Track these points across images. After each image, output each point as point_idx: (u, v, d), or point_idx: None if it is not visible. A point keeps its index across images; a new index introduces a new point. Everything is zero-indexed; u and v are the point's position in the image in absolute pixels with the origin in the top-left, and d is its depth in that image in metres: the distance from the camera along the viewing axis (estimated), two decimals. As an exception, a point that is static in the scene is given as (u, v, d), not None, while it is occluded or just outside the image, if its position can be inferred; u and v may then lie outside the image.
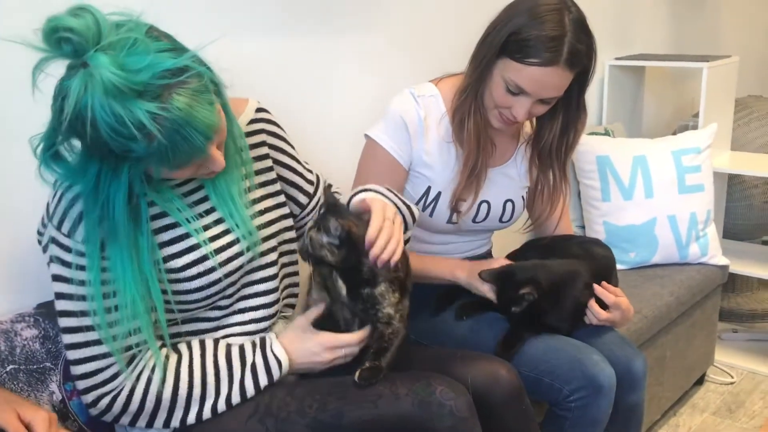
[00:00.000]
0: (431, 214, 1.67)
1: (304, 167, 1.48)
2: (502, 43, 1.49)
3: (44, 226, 1.22)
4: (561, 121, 1.62)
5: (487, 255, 1.86)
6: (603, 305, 1.58)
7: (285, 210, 1.40)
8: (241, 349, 1.29)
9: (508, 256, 1.74)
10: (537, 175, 1.73)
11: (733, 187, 2.89)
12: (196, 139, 1.06)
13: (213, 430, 1.25)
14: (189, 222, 1.22)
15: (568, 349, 1.51)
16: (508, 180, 1.73)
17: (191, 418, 1.24)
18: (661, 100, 3.24)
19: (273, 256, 1.35)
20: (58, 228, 1.16)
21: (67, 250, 1.16)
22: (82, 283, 1.16)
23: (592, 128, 2.65)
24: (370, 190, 1.38)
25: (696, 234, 2.36)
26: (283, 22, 1.79)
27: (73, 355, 1.19)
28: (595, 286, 1.57)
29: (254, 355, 1.28)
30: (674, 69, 3.27)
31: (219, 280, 1.25)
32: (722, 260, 2.42)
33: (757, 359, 2.72)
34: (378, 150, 1.64)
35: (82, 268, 1.15)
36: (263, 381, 1.28)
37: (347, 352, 1.32)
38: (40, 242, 1.26)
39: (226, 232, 1.26)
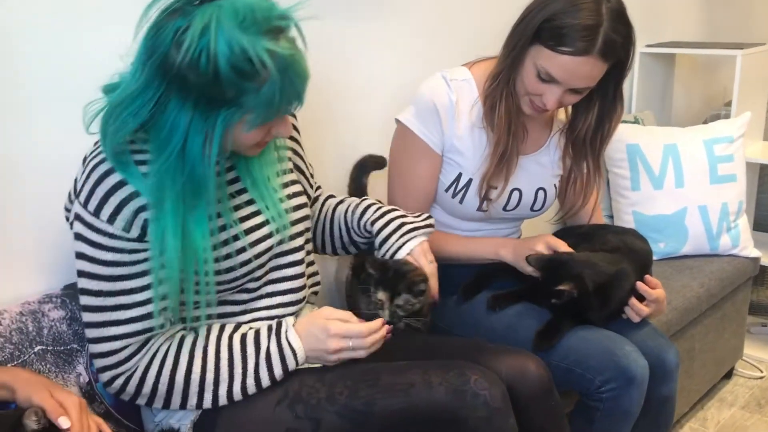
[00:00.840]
0: (461, 201, 1.64)
1: (309, 165, 1.49)
2: (535, 29, 1.46)
3: (71, 201, 1.21)
4: (596, 111, 1.59)
5: (516, 244, 1.83)
6: (640, 297, 1.55)
7: (306, 198, 1.40)
8: (257, 333, 1.25)
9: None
10: (570, 166, 1.69)
11: (764, 178, 2.83)
12: (299, 85, 1.10)
13: (241, 415, 1.24)
14: (220, 202, 1.21)
15: (601, 339, 1.47)
16: (541, 168, 1.70)
17: (207, 402, 1.23)
18: (691, 89, 3.18)
19: (300, 241, 1.35)
20: (85, 206, 1.14)
21: (92, 228, 1.14)
22: (104, 263, 1.14)
23: (622, 116, 2.59)
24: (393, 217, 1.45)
25: (727, 225, 2.31)
26: (310, 7, 1.76)
27: (90, 333, 1.18)
28: (639, 283, 1.54)
29: (269, 341, 1.24)
30: (705, 57, 3.21)
31: (249, 261, 1.23)
32: (753, 252, 2.37)
33: (787, 354, 2.68)
34: (409, 136, 1.62)
35: (104, 247, 1.14)
36: (278, 371, 1.23)
37: (355, 344, 1.24)
38: (67, 218, 1.24)
39: (255, 213, 1.25)
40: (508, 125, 1.56)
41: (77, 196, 1.16)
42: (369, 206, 1.49)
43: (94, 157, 1.16)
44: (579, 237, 1.68)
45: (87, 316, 1.18)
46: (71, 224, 1.20)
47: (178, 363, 1.21)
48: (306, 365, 1.27)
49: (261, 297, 1.30)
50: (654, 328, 1.60)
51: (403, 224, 1.45)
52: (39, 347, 1.28)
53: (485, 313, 1.60)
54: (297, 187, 1.37)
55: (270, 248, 1.27)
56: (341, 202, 1.56)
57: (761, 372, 2.58)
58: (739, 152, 2.34)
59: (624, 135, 2.32)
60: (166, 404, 1.23)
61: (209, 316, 1.26)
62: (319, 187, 1.57)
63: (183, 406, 1.23)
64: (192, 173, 1.10)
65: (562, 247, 1.55)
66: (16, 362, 1.24)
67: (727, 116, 2.59)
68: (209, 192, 1.13)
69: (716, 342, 2.31)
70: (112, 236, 1.13)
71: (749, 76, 2.57)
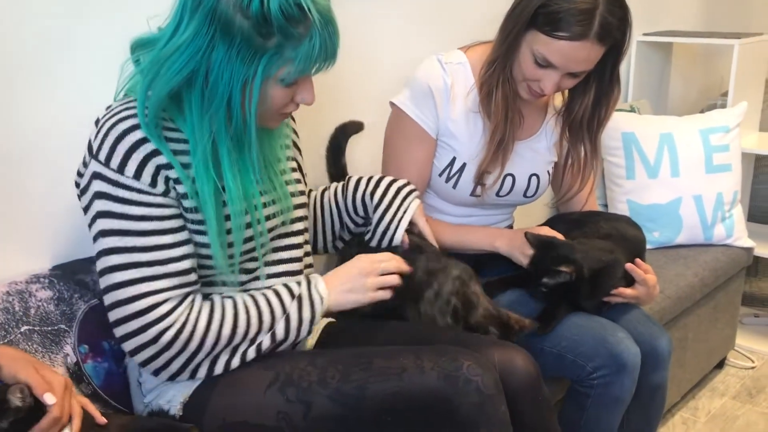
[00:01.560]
0: (455, 186, 1.63)
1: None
2: (531, 14, 1.44)
3: (85, 165, 1.18)
4: (593, 94, 1.58)
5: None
6: (630, 281, 1.54)
7: (304, 187, 1.41)
8: (287, 285, 1.28)
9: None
10: (567, 149, 1.68)
11: (759, 169, 2.83)
12: (336, 42, 1.15)
13: (232, 397, 1.23)
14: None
15: (593, 325, 1.47)
16: (535, 154, 1.68)
17: (235, 362, 1.23)
18: (688, 78, 3.17)
19: (300, 226, 1.36)
20: (106, 164, 1.13)
21: (118, 185, 1.13)
22: (134, 218, 1.13)
23: (618, 105, 2.58)
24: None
25: (722, 215, 2.31)
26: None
27: (123, 293, 1.14)
28: (628, 264, 1.53)
29: (300, 287, 1.28)
30: (702, 47, 3.20)
31: (261, 234, 1.24)
32: (747, 242, 2.36)
33: (779, 344, 2.68)
34: (404, 119, 1.60)
35: (133, 202, 1.13)
36: (306, 314, 1.26)
37: (385, 265, 1.30)
38: (77, 184, 1.22)
39: (264, 191, 1.26)
40: (505, 112, 1.55)
41: (95, 155, 1.15)
42: (359, 180, 1.51)
43: (112, 116, 1.16)
44: (571, 224, 1.67)
45: (119, 276, 1.14)
46: (87, 185, 1.17)
47: (224, 314, 1.21)
48: (328, 320, 1.32)
49: (257, 278, 1.29)
50: (647, 315, 1.60)
51: (399, 189, 1.48)
52: (26, 327, 1.26)
53: None
54: (297, 175, 1.38)
55: (273, 228, 1.28)
56: (327, 188, 1.56)
57: (753, 362, 2.59)
58: (735, 142, 2.33)
59: (620, 123, 2.31)
60: (209, 356, 1.20)
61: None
62: (311, 191, 1.58)
63: (213, 363, 1.22)
64: (236, 126, 1.14)
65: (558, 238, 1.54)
66: (2, 342, 1.22)
67: (724, 106, 2.58)
68: (252, 146, 1.17)
69: (709, 332, 2.31)
70: (139, 191, 1.13)
71: (746, 66, 2.56)
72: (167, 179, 1.15)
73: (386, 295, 1.31)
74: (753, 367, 2.57)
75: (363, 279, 1.29)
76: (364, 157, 1.93)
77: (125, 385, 1.34)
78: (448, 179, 1.63)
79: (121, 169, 1.12)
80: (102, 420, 1.12)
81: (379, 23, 1.91)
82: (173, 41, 1.10)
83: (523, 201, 1.73)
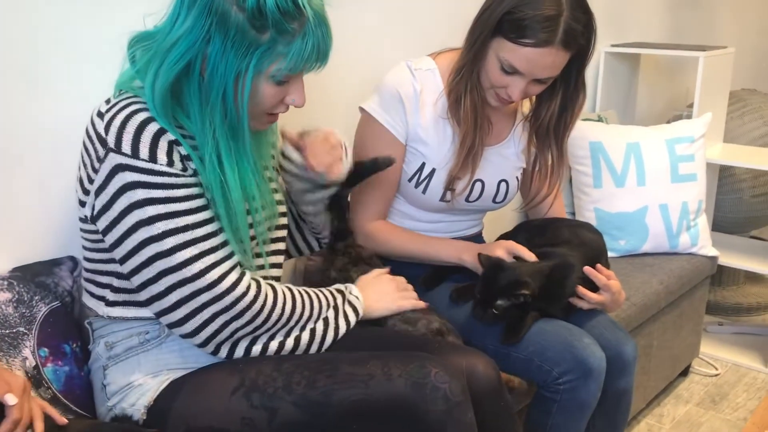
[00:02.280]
0: (424, 191, 1.63)
1: None
2: (496, 22, 1.45)
3: (99, 159, 1.16)
4: (560, 99, 1.59)
5: (478, 236, 1.83)
6: (594, 288, 1.55)
7: (282, 197, 1.42)
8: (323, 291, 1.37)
9: (501, 238, 1.71)
10: (535, 155, 1.69)
11: (723, 179, 2.88)
12: (328, 43, 1.18)
13: (196, 402, 1.21)
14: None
15: (559, 331, 1.48)
16: (504, 160, 1.69)
17: (290, 342, 1.27)
18: (655, 90, 3.22)
19: (282, 233, 1.39)
20: (134, 155, 1.13)
21: (153, 173, 1.14)
22: (179, 199, 1.15)
23: (586, 114, 2.62)
24: None
25: (687, 224, 2.34)
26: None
27: (192, 269, 1.16)
28: (587, 268, 1.54)
29: (337, 295, 1.37)
30: (669, 59, 3.25)
31: (259, 223, 1.26)
32: (712, 251, 2.40)
33: (742, 352, 2.72)
34: (374, 124, 1.60)
35: (174, 186, 1.15)
36: (342, 323, 1.34)
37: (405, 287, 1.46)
38: (85, 180, 1.19)
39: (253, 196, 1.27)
40: (474, 118, 1.55)
41: (114, 149, 1.13)
42: None
43: (122, 108, 1.16)
44: (533, 230, 1.68)
45: (182, 254, 1.16)
46: (106, 180, 1.15)
47: (285, 293, 1.28)
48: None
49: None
50: (612, 321, 1.61)
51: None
52: (-17, 330, 1.23)
53: (447, 306, 1.59)
54: (276, 184, 1.40)
55: (262, 233, 1.30)
56: None
57: (716, 370, 2.62)
58: (700, 152, 2.37)
59: (587, 133, 2.34)
60: (284, 322, 1.26)
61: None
62: None
63: (272, 335, 1.26)
64: (230, 119, 1.17)
65: (522, 251, 1.53)
66: (-42, 345, 1.19)
67: (689, 117, 2.62)
68: (245, 139, 1.19)
69: (674, 339, 2.34)
70: (177, 175, 1.16)
71: (711, 78, 2.61)
72: (190, 166, 1.18)
73: (411, 304, 1.44)
74: (717, 375, 2.60)
75: (389, 289, 1.42)
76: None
77: (86, 389, 1.31)
78: (417, 184, 1.63)
79: (152, 158, 1.14)
80: (63, 421, 1.10)
81: (350, 27, 1.91)
82: (171, 34, 1.13)
83: (493, 207, 1.74)
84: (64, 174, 1.42)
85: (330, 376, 1.19)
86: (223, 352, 1.24)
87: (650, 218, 2.30)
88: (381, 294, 1.42)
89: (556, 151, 1.66)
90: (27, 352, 1.26)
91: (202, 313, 1.19)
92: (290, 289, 1.30)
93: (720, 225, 2.94)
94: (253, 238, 1.28)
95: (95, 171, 1.17)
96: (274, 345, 1.26)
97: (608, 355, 1.49)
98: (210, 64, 1.13)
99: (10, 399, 1.01)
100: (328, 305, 1.34)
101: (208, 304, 1.18)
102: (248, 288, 1.21)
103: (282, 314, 1.25)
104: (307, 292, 1.32)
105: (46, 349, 1.27)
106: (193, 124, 1.18)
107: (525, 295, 1.44)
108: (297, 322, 1.28)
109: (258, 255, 1.31)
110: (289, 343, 1.27)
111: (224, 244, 1.20)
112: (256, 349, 1.25)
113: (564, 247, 1.59)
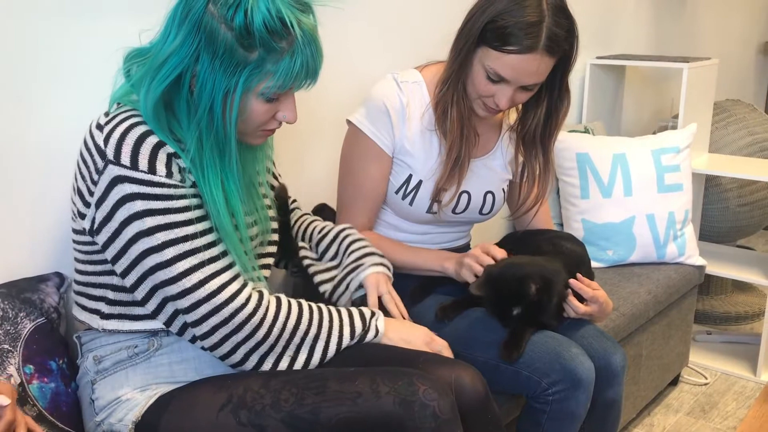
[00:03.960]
0: (411, 203, 1.64)
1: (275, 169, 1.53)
2: (480, 31, 1.46)
3: (97, 171, 1.16)
4: (545, 106, 1.60)
5: (466, 247, 1.83)
6: (580, 299, 1.56)
7: (274, 213, 1.43)
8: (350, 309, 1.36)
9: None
10: (522, 164, 1.70)
11: (709, 189, 2.90)
12: (318, 61, 1.18)
13: (184, 419, 1.20)
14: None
15: (548, 342, 1.47)
16: (490, 172, 1.70)
17: (283, 363, 1.26)
18: (640, 101, 3.25)
19: (273, 248, 1.40)
20: (133, 167, 1.14)
21: (152, 184, 1.15)
22: (178, 210, 1.16)
23: (572, 126, 2.63)
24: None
25: (674, 233, 2.35)
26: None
27: (192, 279, 1.17)
28: (572, 281, 1.54)
29: (363, 318, 1.35)
30: (654, 70, 3.28)
31: (245, 254, 1.26)
32: (699, 260, 2.41)
33: (731, 361, 2.73)
34: (361, 137, 1.61)
35: (173, 197, 1.16)
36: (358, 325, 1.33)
37: (440, 350, 1.37)
38: (84, 193, 1.19)
39: (247, 213, 1.29)
40: (460, 130, 1.56)
41: (113, 161, 1.14)
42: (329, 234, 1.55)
43: (122, 121, 1.17)
44: (516, 242, 1.69)
45: (182, 264, 1.17)
46: (105, 193, 1.15)
47: (290, 305, 1.27)
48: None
49: None
50: (600, 331, 1.61)
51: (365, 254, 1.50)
52: (-33, 347, 1.22)
53: (435, 325, 1.57)
54: (269, 200, 1.41)
55: (254, 248, 1.31)
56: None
57: (706, 379, 2.63)
58: (686, 162, 2.39)
59: (574, 144, 2.35)
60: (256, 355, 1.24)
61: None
62: (294, 201, 1.60)
63: (279, 358, 1.26)
64: (216, 134, 1.17)
65: (494, 250, 1.53)
66: (-58, 363, 1.18)
67: (675, 128, 2.64)
68: (232, 155, 1.19)
69: (663, 349, 2.35)
70: (175, 186, 1.16)
71: (695, 89, 2.63)
72: (189, 178, 1.19)
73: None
74: (706, 384, 2.61)
75: (421, 344, 1.36)
76: (320, 171, 1.93)
77: (73, 406, 1.30)
78: (404, 196, 1.63)
79: (151, 169, 1.14)
80: None
81: (337, 40, 1.92)
82: (162, 51, 1.14)
83: (479, 218, 1.74)
84: (51, 190, 1.41)
85: (318, 393, 1.18)
86: (232, 362, 1.25)
87: (637, 228, 2.31)
88: (408, 338, 1.37)
89: (542, 158, 1.67)
90: (12, 369, 1.24)
91: (201, 326, 1.20)
92: (300, 304, 1.29)
93: (707, 234, 2.96)
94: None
95: (94, 183, 1.17)
96: (285, 362, 1.26)
97: (597, 365, 1.49)
98: (199, 81, 1.14)
99: (3, 400, 1.01)
100: (342, 324, 1.32)
101: (207, 317, 1.19)
102: (248, 300, 1.21)
103: (284, 329, 1.25)
104: (320, 309, 1.31)
105: (31, 366, 1.26)
106: (185, 136, 1.18)
107: (535, 288, 1.44)
108: (303, 338, 1.27)
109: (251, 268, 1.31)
110: (301, 359, 1.28)
111: (224, 254, 1.21)
112: (268, 363, 1.25)
113: (543, 257, 1.58)
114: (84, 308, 1.29)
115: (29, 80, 1.35)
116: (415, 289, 1.66)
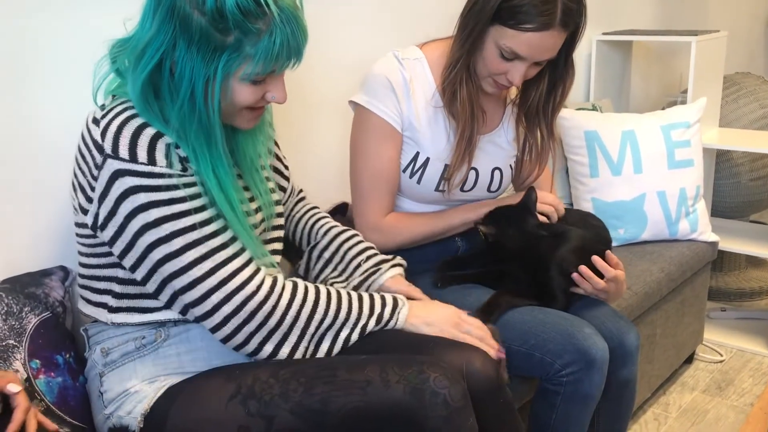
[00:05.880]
0: (419, 181, 1.62)
1: (283, 157, 1.51)
2: (494, 11, 1.44)
3: (96, 166, 1.14)
4: (548, 79, 1.58)
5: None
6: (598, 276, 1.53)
7: (279, 196, 1.41)
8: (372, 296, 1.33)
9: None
10: (525, 136, 1.68)
11: (720, 164, 2.86)
12: (300, 39, 1.14)
13: (193, 410, 1.19)
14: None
15: (560, 322, 1.45)
16: (497, 148, 1.68)
17: (300, 351, 1.24)
18: (648, 77, 3.20)
19: (278, 233, 1.37)
20: (132, 160, 1.12)
21: (153, 176, 1.13)
22: (182, 199, 1.14)
23: (580, 104, 2.60)
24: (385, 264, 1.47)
25: (686, 210, 2.32)
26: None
27: (202, 268, 1.15)
28: (594, 257, 1.51)
29: (386, 305, 1.32)
30: (662, 45, 3.23)
31: (252, 240, 1.24)
32: (712, 236, 2.38)
33: (746, 337, 2.70)
34: (370, 118, 1.58)
35: (176, 187, 1.14)
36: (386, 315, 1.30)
37: (468, 329, 1.32)
38: (85, 187, 1.18)
39: (252, 198, 1.28)
40: (470, 110, 1.55)
41: (112, 155, 1.12)
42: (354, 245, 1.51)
43: (117, 114, 1.15)
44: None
45: (191, 254, 1.15)
46: (107, 187, 1.14)
47: (307, 292, 1.25)
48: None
49: None
50: (614, 311, 1.58)
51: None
52: (-29, 344, 1.21)
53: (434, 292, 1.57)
54: (273, 184, 1.38)
55: (261, 234, 1.30)
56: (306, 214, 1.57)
57: (721, 356, 2.60)
58: (696, 137, 2.35)
59: (582, 122, 2.32)
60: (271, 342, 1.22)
61: None
62: (301, 191, 1.58)
63: (278, 347, 1.23)
64: (200, 120, 1.13)
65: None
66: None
67: (684, 102, 2.60)
68: (218, 141, 1.16)
69: (677, 327, 2.32)
70: (178, 176, 1.14)
71: (704, 62, 2.58)
72: (190, 167, 1.16)
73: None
74: (721, 361, 2.58)
75: (446, 325, 1.31)
76: (326, 153, 1.91)
77: (81, 400, 1.29)
78: (412, 174, 1.61)
79: (151, 161, 1.12)
80: (54, 427, 1.09)
81: (336, 22, 1.89)
82: (141, 39, 1.12)
83: (487, 196, 1.72)
84: (52, 183, 1.39)
85: (328, 382, 1.16)
86: (246, 352, 1.23)
87: (648, 206, 2.28)
88: (431, 321, 1.33)
89: (545, 130, 1.66)
90: (18, 364, 1.23)
91: (213, 317, 1.18)
92: (317, 290, 1.26)
93: (719, 210, 2.92)
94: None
95: (94, 178, 1.15)
96: (302, 351, 1.24)
97: (611, 345, 1.47)
98: (178, 68, 1.12)
99: (14, 387, 1.01)
100: (371, 313, 1.30)
101: (219, 306, 1.17)
102: (259, 286, 1.19)
103: (298, 316, 1.23)
104: (342, 295, 1.28)
105: (37, 361, 1.24)
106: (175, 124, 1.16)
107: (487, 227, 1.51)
108: (319, 326, 1.25)
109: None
110: (324, 347, 1.26)
111: (233, 239, 1.19)
112: (284, 352, 1.23)
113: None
114: (89, 302, 1.28)
115: (26, 73, 1.34)
116: (439, 276, 1.64)
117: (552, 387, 1.44)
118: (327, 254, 1.49)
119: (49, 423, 1.08)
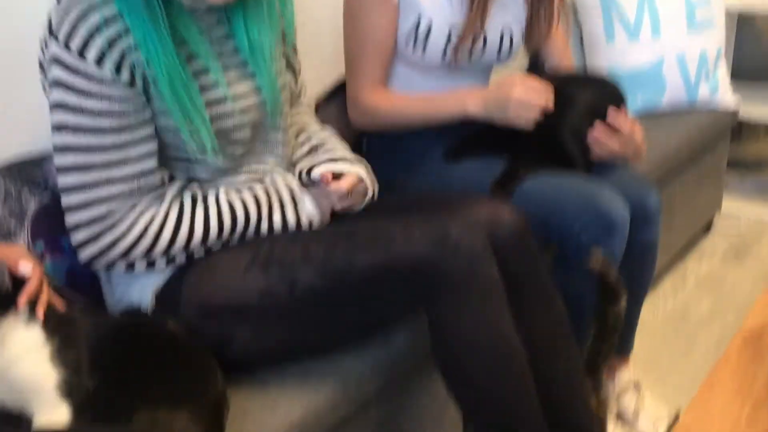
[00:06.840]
0: (424, 50, 1.52)
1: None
2: None
3: (46, 45, 1.05)
4: None
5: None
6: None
7: (289, 77, 1.31)
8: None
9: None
10: None
11: (742, 27, 2.72)
12: None
13: (207, 281, 1.15)
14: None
15: (578, 184, 1.40)
16: (504, 9, 1.57)
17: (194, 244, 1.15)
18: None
19: (285, 122, 1.28)
20: (66, 46, 1.01)
21: (77, 72, 1.02)
22: (92, 113, 1.03)
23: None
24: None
25: (706, 73, 2.22)
26: None
27: (72, 199, 1.06)
28: (609, 113, 1.45)
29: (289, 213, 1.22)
30: None
31: (231, 130, 1.15)
32: (732, 100, 2.29)
33: (765, 206, 2.66)
34: None
35: (92, 95, 1.02)
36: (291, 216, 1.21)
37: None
38: (41, 65, 1.10)
39: (246, 77, 1.18)
40: None
41: (54, 35, 1.02)
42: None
43: None
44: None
45: (70, 179, 1.05)
46: (47, 69, 1.05)
47: (208, 209, 1.15)
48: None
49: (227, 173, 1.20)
50: (634, 174, 1.53)
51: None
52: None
53: (445, 168, 1.53)
54: (282, 64, 1.28)
55: (255, 121, 1.19)
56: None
57: (739, 225, 2.56)
58: (717, -5, 2.23)
59: (597, -17, 2.19)
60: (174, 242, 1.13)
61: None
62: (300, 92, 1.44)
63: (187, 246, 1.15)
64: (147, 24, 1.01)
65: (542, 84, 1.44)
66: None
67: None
68: (159, 16, 1.02)
69: (696, 195, 2.28)
70: (100, 81, 1.02)
71: None
72: (133, 66, 1.03)
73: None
74: (740, 230, 2.55)
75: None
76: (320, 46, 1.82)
77: (89, 283, 1.26)
78: (415, 44, 1.52)
79: (81, 52, 1.01)
80: (63, 307, 1.05)
81: None
82: None
83: (497, 62, 1.63)
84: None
85: (349, 240, 1.14)
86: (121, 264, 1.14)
87: (667, 70, 2.18)
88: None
89: None
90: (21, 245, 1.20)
91: (90, 246, 1.09)
92: (206, 216, 1.15)
93: (741, 73, 2.80)
94: (227, 131, 1.15)
95: (43, 54, 1.08)
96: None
97: (631, 208, 1.42)
98: None
99: (25, 266, 0.95)
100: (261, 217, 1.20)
101: (93, 239, 1.09)
102: (131, 229, 1.09)
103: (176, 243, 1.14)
104: (233, 213, 1.18)
105: (42, 242, 1.21)
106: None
107: None
108: (200, 242, 1.16)
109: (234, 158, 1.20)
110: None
111: (128, 177, 1.07)
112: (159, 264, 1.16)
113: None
114: None
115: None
116: (451, 149, 1.57)
117: (570, 252, 1.40)
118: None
119: (59, 302, 1.05)
